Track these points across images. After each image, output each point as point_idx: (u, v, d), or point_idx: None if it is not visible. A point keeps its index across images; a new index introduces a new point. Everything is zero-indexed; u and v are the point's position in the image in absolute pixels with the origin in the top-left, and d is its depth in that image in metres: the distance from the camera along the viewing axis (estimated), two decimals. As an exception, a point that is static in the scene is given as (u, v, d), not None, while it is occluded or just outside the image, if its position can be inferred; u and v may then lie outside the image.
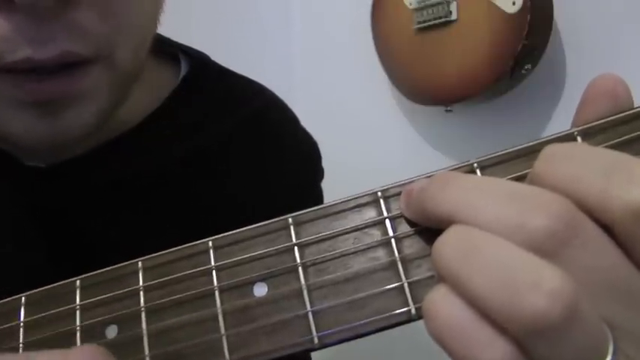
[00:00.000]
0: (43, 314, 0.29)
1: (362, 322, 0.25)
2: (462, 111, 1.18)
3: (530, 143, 0.26)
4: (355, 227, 0.27)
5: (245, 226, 0.28)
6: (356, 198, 0.27)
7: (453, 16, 1.08)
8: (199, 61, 0.53)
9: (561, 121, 1.07)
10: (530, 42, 1.00)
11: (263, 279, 0.27)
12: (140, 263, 0.29)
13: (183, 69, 0.52)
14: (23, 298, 0.30)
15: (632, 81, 0.26)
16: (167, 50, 0.52)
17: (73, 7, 0.33)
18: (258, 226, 0.28)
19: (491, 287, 0.21)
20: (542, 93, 1.11)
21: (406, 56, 1.17)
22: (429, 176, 0.26)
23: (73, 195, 0.45)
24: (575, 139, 0.25)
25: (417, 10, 1.13)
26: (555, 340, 0.20)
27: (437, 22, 1.10)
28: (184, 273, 0.28)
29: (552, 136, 0.26)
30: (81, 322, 0.29)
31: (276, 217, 0.28)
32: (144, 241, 0.34)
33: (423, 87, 1.16)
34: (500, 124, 1.16)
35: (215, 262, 0.28)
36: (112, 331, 0.28)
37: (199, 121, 0.50)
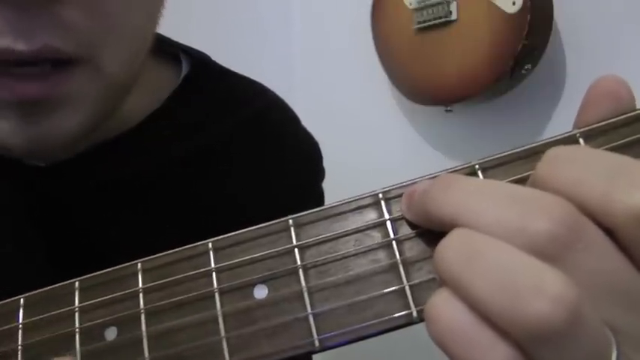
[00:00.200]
0: (41, 316, 0.29)
1: (363, 324, 0.25)
2: (462, 111, 1.18)
3: (532, 145, 0.26)
4: (356, 229, 0.27)
5: (246, 226, 0.28)
6: (357, 199, 0.27)
7: (453, 16, 1.08)
8: (200, 61, 0.53)
9: (561, 121, 1.07)
10: (530, 42, 1.00)
11: (263, 281, 0.27)
12: (140, 265, 0.29)
13: (184, 69, 0.52)
14: (22, 300, 0.30)
15: (632, 81, 0.26)
16: (168, 50, 0.52)
17: (59, 2, 0.32)
18: (258, 228, 0.28)
19: (494, 291, 0.21)
20: (542, 93, 1.11)
21: (406, 56, 1.17)
22: (431, 178, 0.26)
23: (72, 194, 0.45)
24: (577, 141, 0.25)
25: (417, 10, 1.13)
26: (558, 345, 0.20)
27: (437, 22, 1.10)
28: (184, 275, 0.28)
29: (554, 138, 0.26)
30: (80, 323, 0.28)
31: (277, 217, 0.28)
32: (144, 241, 0.34)
33: (423, 87, 1.16)
34: (500, 124, 1.16)
35: (215, 263, 0.28)
36: (111, 333, 0.28)
37: (200, 121, 0.50)
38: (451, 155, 1.25)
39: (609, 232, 0.22)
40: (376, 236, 0.27)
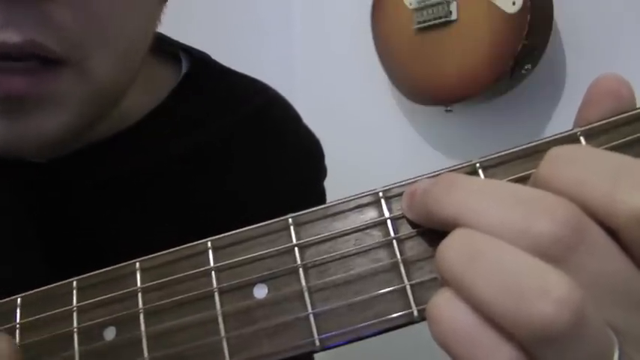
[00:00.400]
0: (39, 316, 0.29)
1: (364, 324, 0.25)
2: (462, 111, 1.18)
3: (533, 143, 0.26)
4: (356, 228, 0.27)
5: (246, 224, 0.28)
6: (357, 198, 0.27)
7: (453, 16, 1.08)
8: (200, 60, 0.53)
9: (561, 121, 1.07)
10: (530, 42, 1.00)
11: (263, 280, 0.27)
12: (138, 264, 0.29)
13: (184, 67, 0.52)
14: (19, 299, 0.30)
15: (632, 81, 0.26)
16: (168, 49, 0.52)
17: (51, 1, 0.32)
18: (258, 227, 0.28)
19: (497, 292, 0.20)
20: (542, 93, 1.11)
21: (406, 56, 1.17)
22: (432, 177, 0.26)
23: (71, 192, 0.45)
24: (577, 140, 0.25)
25: (417, 10, 1.13)
26: (562, 346, 0.20)
27: (437, 22, 1.10)
28: (183, 274, 0.28)
29: (555, 136, 0.26)
30: (78, 323, 0.28)
31: (277, 215, 0.28)
32: (143, 240, 0.34)
33: (423, 87, 1.16)
34: (500, 124, 1.16)
35: (214, 262, 0.27)
36: (110, 333, 0.28)
37: (199, 118, 0.50)
38: (451, 155, 1.25)
39: (612, 232, 0.21)
40: (377, 235, 0.26)
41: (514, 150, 0.26)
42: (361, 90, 1.37)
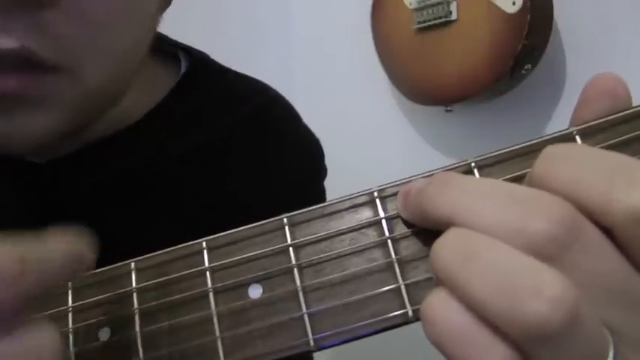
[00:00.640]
0: (35, 316, 0.29)
1: (358, 324, 0.25)
2: (462, 111, 1.18)
3: (528, 143, 0.26)
4: (351, 228, 0.27)
5: (246, 224, 0.28)
6: (352, 198, 0.27)
7: (453, 16, 1.08)
8: (199, 60, 0.53)
9: (561, 121, 1.07)
10: (530, 42, 1.00)
11: (258, 280, 0.27)
12: (133, 264, 0.28)
13: (183, 67, 0.51)
14: None
15: (631, 81, 0.26)
16: (167, 49, 0.52)
17: (44, 7, 0.32)
18: (253, 227, 0.28)
19: (491, 292, 0.20)
20: (542, 93, 1.10)
21: (406, 56, 1.17)
22: (426, 176, 0.26)
23: (70, 192, 0.45)
24: (573, 139, 0.25)
25: (417, 10, 1.13)
26: (556, 346, 0.20)
27: (437, 22, 1.10)
28: (178, 274, 0.28)
29: (551, 135, 0.26)
30: (73, 324, 0.28)
31: (277, 214, 0.28)
32: (142, 239, 0.34)
33: (423, 87, 1.16)
34: (500, 124, 1.16)
35: (209, 263, 0.27)
36: (105, 334, 0.28)
37: (198, 117, 0.50)
38: (451, 155, 1.25)
39: (607, 231, 0.21)
40: (372, 235, 0.26)
41: (509, 149, 0.26)
42: (361, 90, 1.37)
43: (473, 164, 0.26)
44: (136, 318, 0.27)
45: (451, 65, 1.09)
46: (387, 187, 0.27)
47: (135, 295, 0.28)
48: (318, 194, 0.57)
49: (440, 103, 1.14)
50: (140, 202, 0.47)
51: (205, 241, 0.28)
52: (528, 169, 0.24)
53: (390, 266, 0.26)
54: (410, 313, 0.25)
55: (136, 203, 0.46)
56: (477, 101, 1.11)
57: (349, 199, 0.27)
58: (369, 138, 1.37)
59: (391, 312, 0.25)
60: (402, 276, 0.25)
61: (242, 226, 0.28)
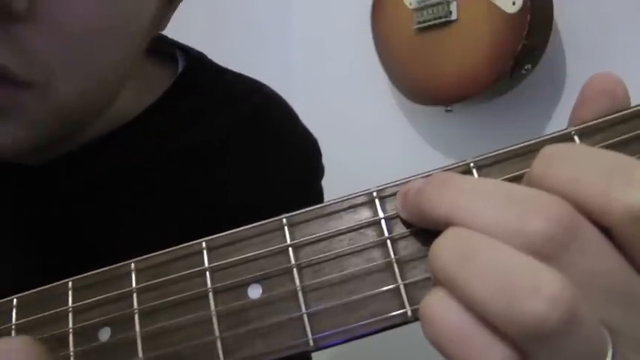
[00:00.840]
0: (34, 317, 0.29)
1: (358, 324, 0.25)
2: (462, 111, 1.18)
3: (527, 142, 0.26)
4: (350, 228, 0.27)
5: (243, 223, 0.28)
6: (351, 198, 0.27)
7: (453, 16, 1.08)
8: (197, 59, 0.53)
9: (561, 121, 1.06)
10: (530, 42, 1.00)
11: (257, 280, 0.27)
12: (133, 264, 0.29)
13: (181, 67, 0.52)
14: (15, 301, 0.30)
15: (631, 80, 0.26)
16: (165, 49, 0.52)
17: (19, 21, 0.31)
18: (252, 227, 0.28)
19: (490, 291, 0.20)
20: (542, 93, 1.11)
21: (406, 56, 1.17)
22: (425, 176, 0.26)
23: (67, 191, 0.45)
24: (572, 139, 0.25)
25: (417, 10, 1.13)
26: (555, 345, 0.20)
27: (437, 22, 1.10)
28: (178, 274, 0.28)
29: (549, 136, 0.26)
30: (73, 324, 0.28)
31: (275, 214, 0.28)
32: (141, 238, 0.34)
33: (423, 87, 1.16)
34: (500, 124, 1.16)
35: (209, 263, 0.27)
36: (104, 334, 0.28)
37: (195, 116, 0.50)
38: (451, 155, 1.25)
39: (606, 230, 0.21)
40: (371, 235, 0.26)
41: (508, 149, 0.26)
42: (361, 90, 1.37)
43: (471, 164, 0.26)
44: (136, 318, 0.28)
45: (451, 65, 1.09)
46: (386, 188, 0.27)
47: (135, 295, 0.28)
48: (315, 194, 0.57)
49: (440, 103, 1.14)
50: (138, 201, 0.47)
51: (205, 241, 0.28)
52: (527, 169, 0.24)
53: (389, 266, 0.26)
54: (409, 312, 0.25)
55: (134, 202, 0.47)
56: (477, 101, 1.11)
57: (348, 199, 0.27)
58: (369, 138, 1.37)
59: (390, 312, 0.25)
60: (401, 276, 0.25)
61: (239, 225, 0.28)
